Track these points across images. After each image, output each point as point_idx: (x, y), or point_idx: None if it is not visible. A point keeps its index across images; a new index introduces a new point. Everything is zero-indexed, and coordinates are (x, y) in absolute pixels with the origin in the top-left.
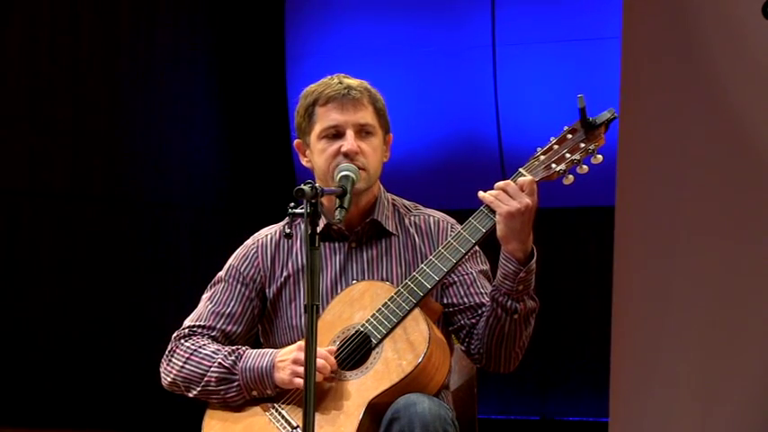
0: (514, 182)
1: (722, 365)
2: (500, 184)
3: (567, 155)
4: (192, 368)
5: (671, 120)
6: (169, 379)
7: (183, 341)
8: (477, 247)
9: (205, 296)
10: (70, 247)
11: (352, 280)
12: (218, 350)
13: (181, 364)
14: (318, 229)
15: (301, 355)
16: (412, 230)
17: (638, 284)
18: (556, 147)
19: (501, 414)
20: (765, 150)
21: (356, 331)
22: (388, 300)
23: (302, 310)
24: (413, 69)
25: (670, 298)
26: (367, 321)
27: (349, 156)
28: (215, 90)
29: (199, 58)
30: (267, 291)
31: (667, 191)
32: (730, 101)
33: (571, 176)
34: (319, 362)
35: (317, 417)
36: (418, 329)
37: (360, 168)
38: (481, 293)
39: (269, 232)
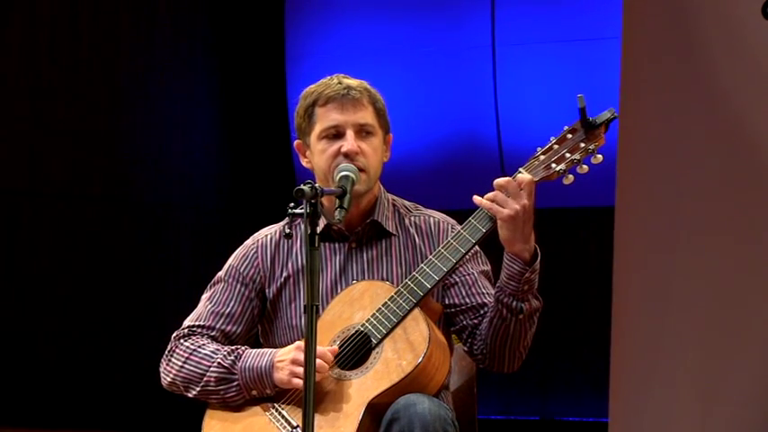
0: (513, 180)
1: (722, 365)
2: (499, 181)
3: (567, 155)
4: (192, 368)
5: (671, 120)
6: (168, 379)
7: (182, 341)
8: (477, 248)
9: (205, 296)
10: (70, 247)
11: (352, 280)
12: (218, 350)
13: (180, 363)
14: (318, 230)
15: (300, 356)
16: (412, 231)
17: (638, 284)
18: (556, 146)
19: (501, 414)
20: (765, 150)
21: (356, 331)
22: (388, 300)
23: (302, 310)
24: (413, 69)
25: (670, 298)
26: (367, 321)
27: (349, 156)
28: (215, 90)
29: (199, 59)
30: (267, 291)
31: (667, 191)
32: (730, 101)
33: (571, 176)
34: (317, 362)
35: (317, 417)
36: (418, 329)
37: (360, 169)
38: (483, 294)
39: (269, 232)
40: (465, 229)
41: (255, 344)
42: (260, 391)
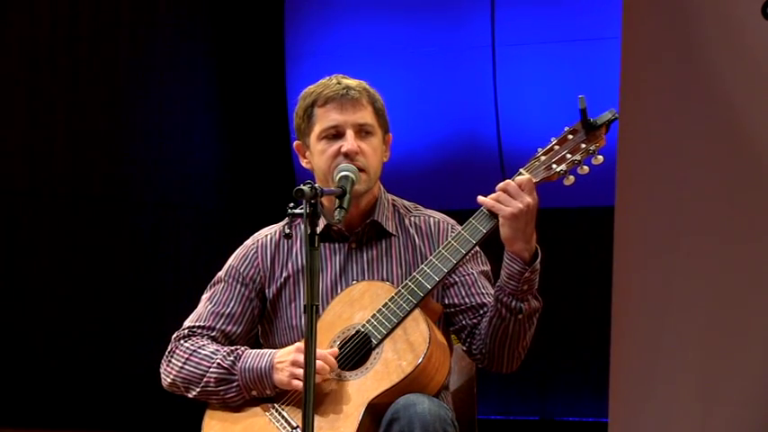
0: (513, 181)
1: (722, 365)
2: (500, 184)
3: (568, 155)
4: (192, 369)
5: (671, 120)
6: (169, 379)
7: (182, 342)
8: (477, 248)
9: (205, 296)
10: (70, 247)
11: (352, 280)
12: (218, 350)
13: (180, 364)
14: (318, 230)
15: (300, 357)
16: (412, 231)
17: (638, 284)
18: (556, 147)
19: (501, 414)
20: (765, 150)
21: (356, 332)
22: (389, 300)
23: (302, 310)
24: (413, 69)
25: (670, 298)
26: (367, 322)
27: (349, 156)
28: (215, 90)
29: (199, 59)
30: (267, 291)
31: (667, 191)
32: (730, 101)
33: (572, 177)
34: (318, 363)
35: (317, 417)
36: (418, 330)
37: (360, 169)
38: (482, 294)
39: (269, 232)
40: (465, 229)
41: (255, 344)
42: (260, 392)
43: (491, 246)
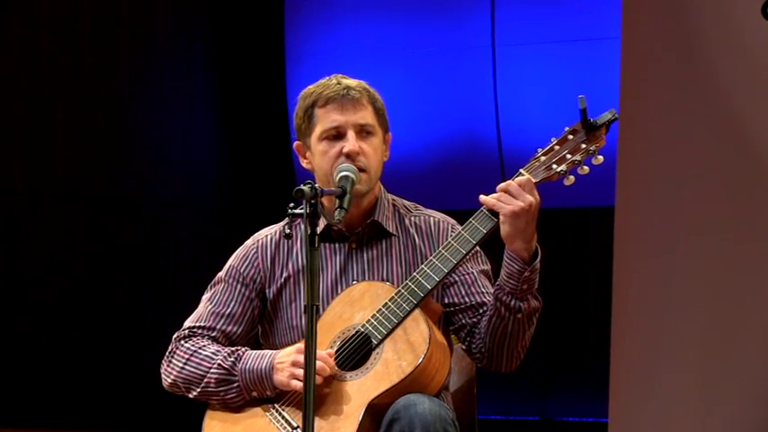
0: (513, 181)
1: (722, 365)
2: (501, 185)
3: (568, 156)
4: (192, 369)
5: (671, 120)
6: (169, 380)
7: (183, 342)
8: (477, 248)
9: (205, 297)
10: (70, 247)
11: (353, 280)
12: (218, 351)
13: (181, 365)
14: (318, 230)
15: (300, 358)
16: (412, 231)
17: (638, 284)
18: (557, 147)
19: (501, 414)
20: (765, 150)
21: (356, 332)
22: (389, 300)
23: (302, 310)
24: (413, 70)
25: (670, 298)
26: (367, 322)
27: (350, 156)
28: (215, 90)
29: (199, 59)
30: (267, 291)
31: (667, 191)
32: (730, 101)
33: (572, 177)
34: (318, 364)
35: (317, 417)
36: (418, 330)
37: (361, 170)
38: (482, 293)
39: (269, 233)
40: (465, 229)
41: (256, 344)
42: (260, 393)
43: (491, 245)
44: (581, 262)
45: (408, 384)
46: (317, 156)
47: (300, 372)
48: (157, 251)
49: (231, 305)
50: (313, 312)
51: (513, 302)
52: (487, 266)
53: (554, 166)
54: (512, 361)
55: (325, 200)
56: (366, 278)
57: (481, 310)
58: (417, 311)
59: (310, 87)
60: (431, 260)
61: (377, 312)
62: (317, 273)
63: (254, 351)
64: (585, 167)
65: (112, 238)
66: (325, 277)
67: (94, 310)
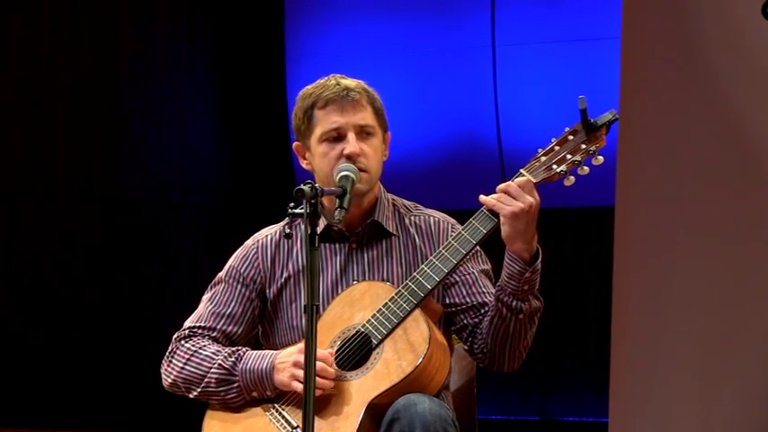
0: (513, 182)
1: (722, 365)
2: (501, 186)
3: (568, 156)
4: (193, 369)
5: (671, 120)
6: (170, 380)
7: (183, 342)
8: (478, 247)
9: (205, 297)
10: (70, 247)
11: (353, 281)
12: (219, 351)
13: (181, 365)
14: (319, 230)
15: (301, 358)
16: (412, 231)
17: (638, 284)
18: (557, 148)
19: (501, 414)
20: (765, 150)
21: (357, 332)
22: (389, 300)
23: (302, 310)
24: (413, 69)
25: (670, 298)
26: (367, 322)
27: (351, 158)
28: (215, 90)
29: (199, 58)
30: (267, 291)
31: (667, 191)
32: (730, 101)
33: (572, 177)
34: (319, 365)
35: (317, 417)
36: (419, 330)
37: (362, 170)
38: (483, 293)
39: (269, 233)
40: (466, 229)
41: (256, 344)
42: (260, 393)
43: (491, 246)
44: (581, 262)
45: (408, 384)
46: (317, 157)
47: (301, 372)
48: (157, 251)
49: (231, 305)
50: (313, 312)
51: (514, 303)
52: (488, 266)
53: (554, 166)
54: (514, 361)
55: (325, 200)
56: (366, 278)
57: (482, 311)
58: (417, 311)
59: (309, 88)
60: (431, 260)
61: (377, 312)
62: (317, 273)
63: (255, 351)
64: (586, 168)
65: (112, 237)
66: (326, 277)
67: (94, 309)
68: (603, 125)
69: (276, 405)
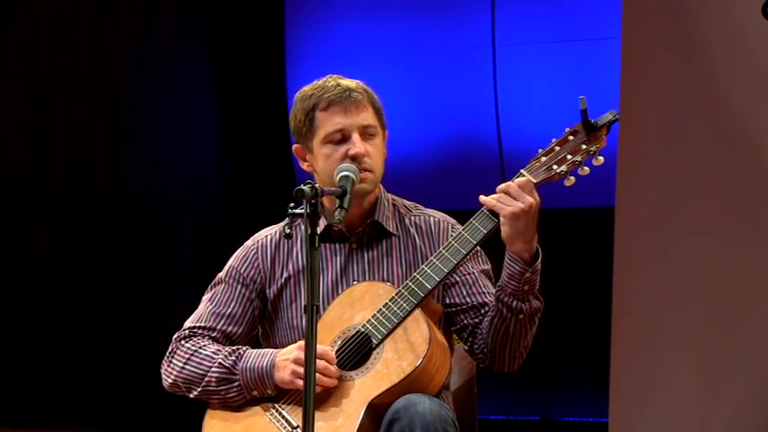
0: (513, 182)
1: (722, 365)
2: (501, 186)
3: (569, 156)
4: (193, 369)
5: (671, 120)
6: (170, 380)
7: (183, 342)
8: (478, 247)
9: (205, 297)
10: (70, 247)
11: (353, 281)
12: (219, 351)
13: (181, 365)
14: (319, 230)
15: (302, 355)
16: (412, 231)
17: (638, 284)
18: (557, 148)
19: (501, 414)
20: (765, 150)
21: (357, 332)
22: (389, 300)
23: (303, 310)
24: (413, 69)
25: (670, 298)
26: (368, 322)
27: (357, 159)
28: (215, 90)
29: (199, 58)
30: (267, 291)
31: (667, 191)
32: (730, 101)
33: (572, 178)
34: (320, 363)
35: (317, 417)
36: (419, 330)
37: (367, 170)
38: (483, 293)
39: (269, 233)
40: (466, 229)
41: (256, 345)
42: (261, 392)
43: (492, 245)
44: (581, 262)
45: (408, 384)
46: (320, 159)
47: (302, 369)
48: (157, 251)
49: (231, 305)
50: (313, 312)
51: (514, 303)
52: (488, 266)
53: (554, 166)
54: (514, 361)
55: (325, 200)
56: (366, 278)
57: (483, 311)
58: (418, 311)
59: (307, 90)
60: (431, 260)
61: (377, 312)
62: (317, 273)
63: (255, 350)
64: (586, 168)
65: (112, 238)
66: (326, 277)
67: (94, 310)
68: (604, 125)
69: (276, 404)
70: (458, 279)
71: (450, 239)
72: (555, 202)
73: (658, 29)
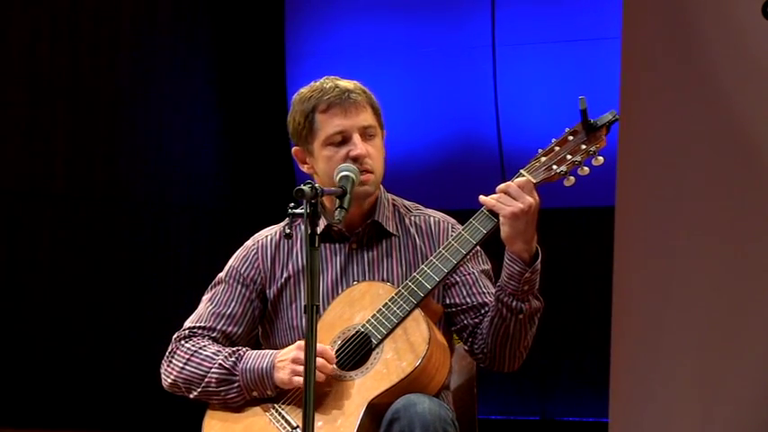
0: (513, 182)
1: (722, 365)
2: (501, 186)
3: (568, 156)
4: (193, 369)
5: (671, 120)
6: (170, 380)
7: (183, 342)
8: (478, 247)
9: (205, 297)
10: (70, 247)
11: (353, 281)
12: (219, 351)
13: (181, 365)
14: (319, 230)
15: (301, 355)
16: (412, 231)
17: (638, 284)
18: (557, 148)
19: (501, 414)
20: (765, 150)
21: (357, 332)
22: (389, 300)
23: (303, 310)
24: (413, 69)
25: (670, 298)
26: (367, 322)
27: (358, 160)
28: (215, 90)
29: (199, 59)
30: (267, 291)
31: (667, 191)
32: (730, 101)
33: (572, 178)
34: (319, 360)
35: (317, 417)
36: (418, 330)
37: (368, 172)
38: (483, 293)
39: (269, 233)
40: (466, 230)
41: (256, 345)
42: (261, 392)
43: (492, 245)
44: (581, 262)
45: (408, 384)
46: (321, 161)
47: (302, 368)
48: (157, 251)
49: (231, 306)
50: (313, 312)
51: (514, 303)
52: (488, 266)
53: (554, 166)
54: (514, 361)
55: (325, 200)
56: (366, 278)
57: (483, 311)
58: (417, 311)
59: (305, 92)
60: (431, 260)
61: (377, 312)
62: (317, 273)
63: (255, 351)
64: (586, 168)
65: (112, 238)
66: (326, 277)
67: (94, 310)
68: (603, 126)
69: (276, 405)
70: (458, 279)
71: (449, 239)
72: (555, 202)
73: (658, 29)
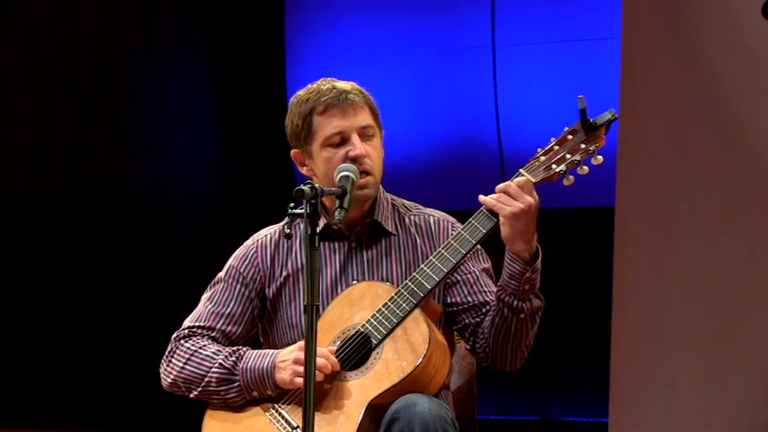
0: (512, 182)
1: (722, 365)
2: (500, 186)
3: (568, 156)
4: (193, 369)
5: (671, 120)
6: (169, 380)
7: (182, 342)
8: (478, 246)
9: (205, 296)
10: (70, 247)
11: (353, 280)
12: (219, 351)
13: (181, 365)
14: (318, 229)
15: (302, 355)
16: (412, 230)
17: (638, 284)
18: (556, 148)
19: (501, 414)
20: (765, 150)
21: (356, 332)
22: (389, 300)
23: (302, 309)
24: (413, 69)
25: (670, 298)
26: (367, 322)
27: (357, 160)
28: (215, 90)
29: (199, 58)
30: (267, 291)
31: (667, 191)
32: (730, 101)
33: (572, 177)
34: (320, 361)
35: (317, 417)
36: (418, 330)
37: (367, 172)
38: (484, 292)
39: (269, 232)
40: (465, 229)
41: (255, 344)
42: (261, 392)
43: (492, 244)
44: (581, 262)
45: (408, 384)
46: (320, 163)
47: (302, 368)
48: (157, 251)
49: (231, 305)
50: (313, 312)
51: (515, 303)
52: (488, 264)
53: (554, 166)
54: (516, 360)
55: (325, 200)
56: (366, 278)
57: (484, 310)
58: (417, 311)
59: (302, 94)
60: (431, 260)
61: (377, 312)
62: (317, 272)
63: (256, 350)
64: (585, 167)
65: (112, 238)
66: (325, 276)
67: (94, 309)
68: (603, 125)
69: (276, 405)
70: (458, 278)
71: (449, 239)
72: (555, 202)
73: (658, 29)
